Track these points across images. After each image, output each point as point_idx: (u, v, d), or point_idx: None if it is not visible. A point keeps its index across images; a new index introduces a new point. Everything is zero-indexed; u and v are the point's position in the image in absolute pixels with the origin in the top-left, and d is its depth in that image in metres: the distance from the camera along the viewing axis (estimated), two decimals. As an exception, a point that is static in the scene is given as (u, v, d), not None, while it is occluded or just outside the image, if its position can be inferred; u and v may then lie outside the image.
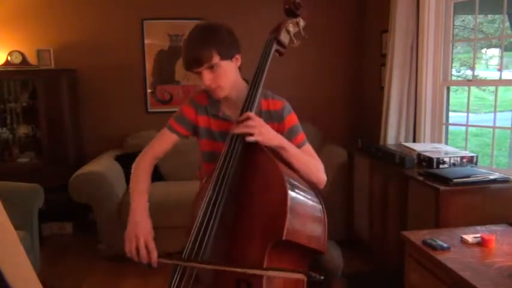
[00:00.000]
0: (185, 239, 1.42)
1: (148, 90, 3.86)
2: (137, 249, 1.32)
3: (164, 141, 1.60)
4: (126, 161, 3.40)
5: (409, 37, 2.98)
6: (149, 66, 3.83)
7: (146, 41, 3.80)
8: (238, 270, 1.14)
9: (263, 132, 1.33)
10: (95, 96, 3.81)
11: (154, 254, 1.32)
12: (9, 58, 3.45)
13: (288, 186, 1.22)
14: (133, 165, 1.55)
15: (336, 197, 3.14)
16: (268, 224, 1.22)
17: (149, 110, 3.86)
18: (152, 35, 3.80)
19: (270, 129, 1.37)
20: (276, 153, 1.38)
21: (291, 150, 1.40)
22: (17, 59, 3.46)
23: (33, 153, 3.60)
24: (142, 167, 1.54)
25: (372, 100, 3.79)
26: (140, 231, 1.33)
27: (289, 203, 1.20)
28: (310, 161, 1.47)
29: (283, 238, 1.16)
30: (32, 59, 3.55)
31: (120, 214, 3.01)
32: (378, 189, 2.76)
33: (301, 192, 1.30)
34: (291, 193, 1.22)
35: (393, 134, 3.09)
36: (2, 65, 3.45)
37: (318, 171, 1.48)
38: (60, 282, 2.75)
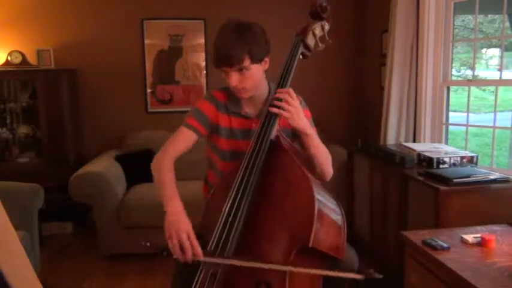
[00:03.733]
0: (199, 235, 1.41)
1: (148, 90, 3.86)
2: (180, 245, 1.23)
3: (184, 140, 1.50)
4: (126, 161, 3.41)
5: (409, 37, 2.98)
6: (149, 66, 3.83)
7: (146, 41, 3.80)
8: (278, 267, 1.13)
9: (293, 112, 1.33)
10: (95, 96, 3.81)
11: (198, 250, 1.22)
12: (9, 58, 3.45)
13: (315, 192, 1.22)
14: (155, 167, 1.45)
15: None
16: (295, 230, 1.21)
17: (149, 110, 3.86)
18: (152, 35, 3.80)
19: (301, 112, 1.37)
20: (299, 156, 1.38)
21: (313, 138, 1.41)
22: (17, 59, 3.46)
23: (33, 153, 3.60)
24: (166, 169, 1.42)
25: (371, 100, 3.79)
26: (182, 226, 1.25)
27: (316, 209, 1.19)
28: (326, 152, 1.49)
29: (310, 245, 1.16)
30: (32, 59, 3.55)
31: (120, 214, 3.01)
32: (378, 189, 2.76)
33: (325, 199, 1.30)
34: (318, 199, 1.22)
35: (393, 134, 3.09)
36: (2, 65, 3.45)
37: (330, 163, 1.51)
38: (60, 282, 2.75)
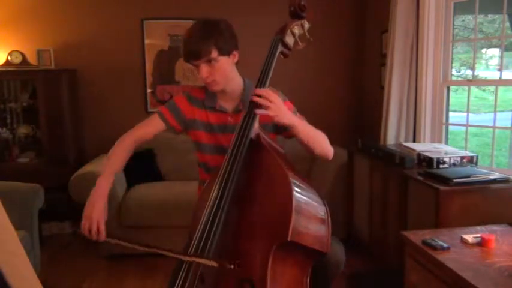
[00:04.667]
0: (188, 240, 1.42)
1: (148, 90, 3.86)
2: (90, 228, 1.41)
3: (152, 126, 1.63)
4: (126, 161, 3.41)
5: (409, 37, 2.98)
6: (149, 66, 3.83)
7: (146, 41, 3.80)
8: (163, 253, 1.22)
9: (276, 110, 1.34)
10: (95, 96, 3.81)
11: (102, 236, 1.41)
12: (9, 58, 3.45)
13: (294, 187, 1.23)
14: (116, 143, 1.59)
15: (336, 197, 3.14)
16: (273, 225, 1.22)
17: (149, 110, 3.86)
18: (152, 35, 3.80)
19: (284, 106, 1.39)
20: (280, 153, 1.39)
21: (301, 128, 1.44)
22: (17, 59, 3.46)
23: (33, 153, 3.59)
24: (123, 147, 1.57)
25: (371, 100, 3.79)
26: (95, 213, 1.41)
27: (294, 204, 1.20)
28: (319, 134, 1.52)
29: (288, 239, 1.17)
30: (32, 59, 3.55)
31: (120, 214, 3.01)
32: (378, 189, 2.76)
33: (306, 194, 1.30)
34: (296, 194, 1.22)
35: (393, 134, 3.09)
36: (2, 65, 3.45)
37: (326, 142, 1.54)
38: (60, 282, 2.75)
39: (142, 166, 3.44)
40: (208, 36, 1.44)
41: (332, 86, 4.05)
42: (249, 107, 1.40)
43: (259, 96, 1.35)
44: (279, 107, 1.35)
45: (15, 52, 3.46)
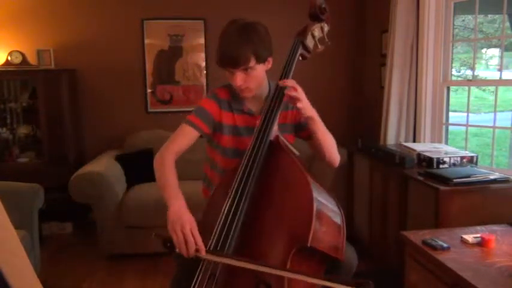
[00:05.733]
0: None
1: (148, 90, 3.86)
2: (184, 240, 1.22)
3: (185, 137, 1.50)
4: (126, 161, 3.41)
5: (409, 37, 2.98)
6: (149, 66, 3.83)
7: (146, 41, 3.80)
8: (279, 272, 1.12)
9: (304, 101, 1.37)
10: (95, 96, 3.81)
11: (203, 250, 1.21)
12: (9, 58, 3.45)
13: (314, 193, 1.22)
14: (157, 164, 1.44)
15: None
16: (293, 229, 1.21)
17: (149, 110, 3.86)
18: (152, 35, 3.80)
19: (307, 101, 1.41)
20: (297, 156, 1.38)
21: (319, 122, 1.46)
22: (17, 59, 3.46)
23: (33, 153, 3.60)
24: (168, 166, 1.42)
25: (371, 100, 3.79)
26: (185, 222, 1.24)
27: (315, 208, 1.20)
28: (332, 137, 1.53)
29: (308, 245, 1.16)
30: (32, 59, 3.55)
31: (120, 214, 3.01)
32: (377, 189, 2.76)
33: (325, 200, 1.30)
34: (317, 200, 1.22)
35: (393, 134, 3.09)
36: (2, 65, 3.45)
37: (336, 148, 1.55)
38: (60, 282, 2.75)
39: (143, 166, 3.44)
40: (247, 43, 1.39)
41: (332, 86, 4.05)
42: (273, 97, 1.41)
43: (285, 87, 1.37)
44: (305, 99, 1.37)
45: (15, 52, 3.46)
